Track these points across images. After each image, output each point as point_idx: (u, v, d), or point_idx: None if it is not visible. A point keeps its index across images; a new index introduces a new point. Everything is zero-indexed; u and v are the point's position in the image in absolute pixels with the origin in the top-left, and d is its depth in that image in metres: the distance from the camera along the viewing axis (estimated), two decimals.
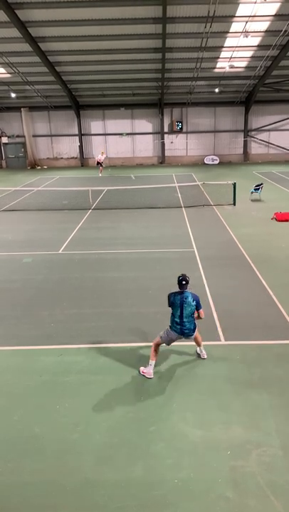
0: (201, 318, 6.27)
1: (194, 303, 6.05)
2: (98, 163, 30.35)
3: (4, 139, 37.14)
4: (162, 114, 35.43)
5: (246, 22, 21.14)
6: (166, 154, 36.99)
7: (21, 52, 24.65)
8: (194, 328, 6.23)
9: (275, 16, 20.64)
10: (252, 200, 19.09)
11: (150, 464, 4.63)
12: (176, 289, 6.18)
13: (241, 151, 37.15)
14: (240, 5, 19.41)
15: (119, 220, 16.02)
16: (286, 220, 15.14)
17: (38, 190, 23.24)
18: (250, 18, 20.78)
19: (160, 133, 36.35)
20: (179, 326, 6.08)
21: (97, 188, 20.89)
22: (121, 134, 36.76)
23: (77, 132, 36.51)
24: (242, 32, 22.05)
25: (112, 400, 5.69)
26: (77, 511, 4.14)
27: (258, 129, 36.28)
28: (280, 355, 6.66)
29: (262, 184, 19.57)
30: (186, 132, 36.76)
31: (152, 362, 6.18)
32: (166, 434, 5.05)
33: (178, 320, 6.07)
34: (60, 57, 26.02)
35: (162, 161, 37.04)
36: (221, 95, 33.62)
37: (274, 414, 5.33)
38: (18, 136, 36.88)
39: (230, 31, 22.40)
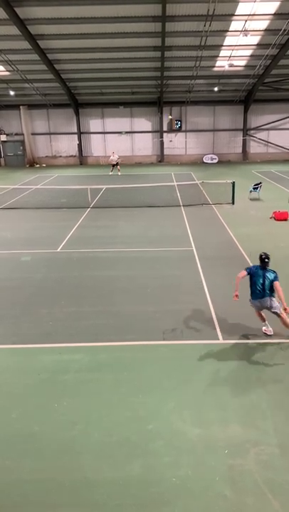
0: (278, 289, 6.83)
1: (274, 275, 6.92)
2: (113, 165, 29.71)
3: (3, 137, 37.03)
4: (161, 113, 35.39)
5: (246, 21, 21.11)
6: (165, 153, 36.96)
7: (20, 50, 24.58)
8: (276, 305, 6.97)
9: (274, 14, 20.62)
10: (251, 199, 19.11)
11: (149, 462, 4.65)
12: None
13: (240, 150, 37.15)
14: (239, 3, 19.39)
15: (118, 219, 16.02)
16: (285, 219, 15.17)
17: (36, 188, 23.21)
18: (250, 17, 20.76)
19: (159, 131, 36.31)
20: (260, 294, 6.96)
21: (95, 187, 20.88)
22: (120, 133, 36.72)
23: (76, 130, 36.44)
24: (241, 31, 22.01)
25: (111, 399, 5.71)
26: (76, 509, 4.16)
27: (257, 128, 36.28)
28: (279, 354, 6.69)
29: (261, 183, 19.59)
30: (186, 131, 36.73)
31: (265, 323, 7.33)
32: (164, 432, 5.07)
33: (260, 288, 6.94)
34: (60, 55, 25.96)
35: (161, 159, 37.02)
36: (220, 94, 33.60)
37: (272, 413, 5.35)
38: (16, 134, 36.78)
39: (230, 30, 22.38)
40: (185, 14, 20.55)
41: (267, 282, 6.88)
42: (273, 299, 6.98)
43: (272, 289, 6.91)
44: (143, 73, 29.24)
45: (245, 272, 7.06)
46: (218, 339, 7.16)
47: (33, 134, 36.82)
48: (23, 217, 16.72)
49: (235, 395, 5.70)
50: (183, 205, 18.12)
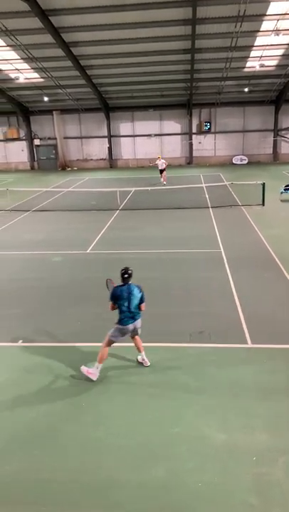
0: (141, 310, 6.25)
1: (140, 294, 6.13)
2: (161, 170, 25.35)
3: (37, 141, 38.05)
4: (191, 115, 35.27)
5: (277, 20, 20.77)
6: (194, 155, 36.81)
7: (54, 58, 25.21)
8: (139, 319, 6.20)
9: None
10: (281, 201, 18.71)
11: (173, 466, 4.61)
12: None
13: (271, 150, 36.47)
14: (271, 3, 19.08)
15: (146, 221, 16.08)
16: None
17: (68, 191, 23.65)
18: (282, 16, 20.38)
19: (188, 133, 36.20)
20: (131, 317, 6.09)
21: (124, 189, 21.04)
22: (149, 135, 36.87)
23: (106, 134, 36.91)
24: (273, 30, 21.66)
25: (135, 400, 5.71)
26: (98, 510, 4.16)
27: None
28: None
29: None
30: (215, 132, 36.44)
31: (100, 365, 6.11)
32: (188, 436, 5.02)
33: (128, 311, 6.06)
34: (92, 60, 26.41)
35: (190, 161, 36.88)
36: (251, 95, 33.14)
37: None
38: (49, 139, 37.67)
39: (261, 30, 22.06)
40: (215, 16, 20.47)
41: (133, 301, 6.04)
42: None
43: (139, 309, 6.16)
44: (173, 76, 29.28)
45: (112, 305, 6.16)
46: (247, 343, 7.02)
47: (65, 138, 37.59)
48: (55, 219, 17.07)
49: (263, 402, 5.57)
50: (211, 207, 17.96)
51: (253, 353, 6.74)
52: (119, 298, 6.06)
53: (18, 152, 38.59)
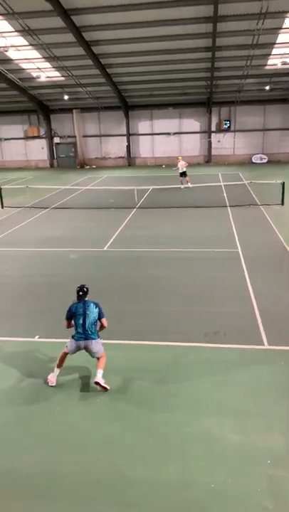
0: (104, 327, 6.07)
1: (97, 310, 5.94)
2: (181, 173, 23.28)
3: (56, 140, 38.43)
4: (210, 113, 35.02)
5: None
6: (212, 153, 36.56)
7: (75, 56, 25.40)
8: (99, 345, 5.95)
9: None
10: None
11: (186, 465, 4.60)
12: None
13: None
14: None
15: (164, 219, 16.06)
16: None
17: (86, 188, 23.80)
18: None
19: (207, 132, 35.96)
20: (83, 335, 5.85)
21: (142, 187, 21.06)
22: (168, 134, 36.77)
23: (125, 132, 36.99)
24: None
25: (150, 398, 5.71)
26: (110, 506, 4.18)
27: None
28: None
29: None
30: (234, 131, 36.11)
31: (57, 370, 6.01)
32: (203, 436, 5.00)
33: (81, 329, 5.86)
34: (112, 59, 26.49)
35: (208, 160, 36.64)
36: (272, 93, 32.70)
37: None
38: (69, 137, 38.00)
39: (284, 27, 21.71)
40: (237, 14, 20.22)
41: (90, 317, 5.86)
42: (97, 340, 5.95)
43: (95, 327, 5.92)
44: (193, 74, 29.13)
45: (66, 322, 6.06)
46: (264, 344, 6.94)
47: (84, 136, 37.85)
48: (73, 217, 17.22)
49: (278, 404, 5.51)
50: (229, 206, 17.81)
51: (270, 355, 6.66)
52: (74, 314, 5.92)
53: (38, 150, 39.06)
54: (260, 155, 35.96)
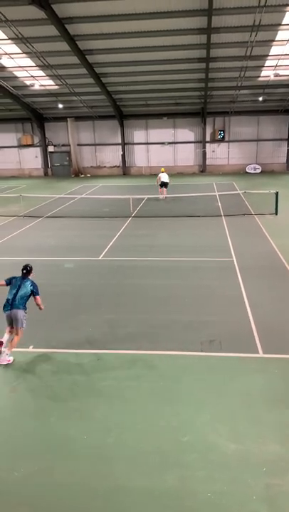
0: (39, 305, 7.03)
1: (31, 287, 6.93)
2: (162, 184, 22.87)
3: (51, 148, 38.52)
4: (204, 123, 35.39)
5: None
6: (207, 163, 36.87)
7: (69, 65, 25.59)
8: (23, 317, 6.83)
9: None
10: None
11: (183, 474, 4.59)
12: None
13: (284, 160, 36.35)
14: (286, 13, 19.13)
15: (159, 228, 16.12)
16: None
17: (81, 197, 23.84)
18: None
19: (202, 142, 36.30)
20: (9, 306, 6.77)
21: (137, 197, 21.15)
22: (163, 143, 37.05)
23: (120, 141, 37.21)
24: (288, 40, 21.68)
25: (146, 407, 5.70)
26: None
27: None
28: None
29: None
30: (228, 141, 36.49)
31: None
32: (199, 445, 4.99)
33: (10, 298, 6.82)
34: (106, 68, 26.73)
35: (203, 169, 36.93)
36: (265, 104, 33.16)
37: None
38: (63, 145, 38.11)
39: (276, 40, 22.11)
40: (231, 25, 20.54)
41: (22, 291, 6.87)
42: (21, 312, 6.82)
43: (24, 301, 6.88)
44: (187, 84, 29.47)
45: (3, 282, 7.09)
46: (258, 353, 6.98)
47: (78, 144, 37.98)
48: (68, 226, 17.22)
49: (274, 412, 5.52)
50: (224, 215, 17.94)
51: (265, 363, 6.68)
52: (11, 283, 7.01)
53: (32, 158, 39.10)
54: (254, 165, 36.33)
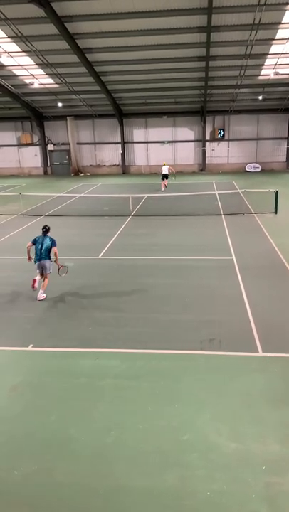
0: (56, 254, 9.41)
1: (50, 242, 9.35)
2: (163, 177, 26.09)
3: (50, 147, 38.46)
4: (204, 122, 35.35)
5: None
6: (207, 162, 36.83)
7: (69, 64, 25.55)
8: (49, 265, 9.37)
9: None
10: None
11: (183, 473, 4.59)
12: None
13: (284, 158, 36.33)
14: (286, 12, 19.10)
15: (158, 227, 16.11)
16: None
17: (80, 196, 23.82)
18: None
19: (202, 141, 36.26)
20: (38, 257, 9.27)
21: (137, 195, 21.13)
22: (162, 142, 37.02)
23: (119, 140, 37.16)
24: (288, 39, 21.65)
25: (146, 407, 5.70)
26: None
27: None
28: None
29: None
30: (228, 140, 36.46)
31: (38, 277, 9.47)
32: (199, 444, 5.00)
33: (38, 253, 9.27)
34: (106, 67, 26.69)
35: (203, 168, 36.91)
36: (265, 102, 33.13)
37: None
38: (63, 144, 38.05)
39: (276, 38, 22.08)
40: (230, 24, 20.52)
41: (44, 246, 9.25)
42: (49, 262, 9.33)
43: (48, 253, 9.27)
44: (187, 83, 29.43)
45: (30, 243, 9.46)
46: (258, 351, 6.98)
47: (78, 143, 37.93)
48: (67, 225, 17.20)
49: (274, 411, 5.53)
50: (224, 214, 17.93)
51: (264, 362, 6.68)
52: (36, 242, 9.38)
53: (31, 157, 39.05)
54: (253, 164, 36.32)
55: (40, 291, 9.32)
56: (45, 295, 9.33)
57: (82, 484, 4.51)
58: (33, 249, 9.41)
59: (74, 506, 4.28)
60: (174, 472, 4.61)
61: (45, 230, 9.54)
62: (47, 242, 9.27)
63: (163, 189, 25.32)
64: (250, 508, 4.16)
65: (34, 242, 9.35)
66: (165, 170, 25.80)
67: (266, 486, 4.40)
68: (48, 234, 9.49)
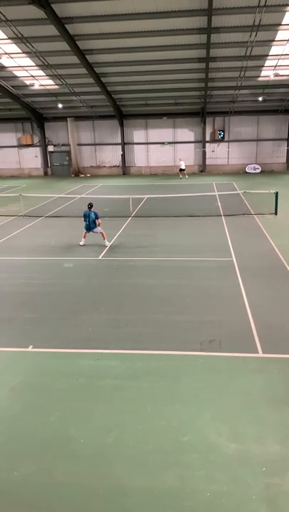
0: (99, 224, 13.27)
1: (94, 215, 13.09)
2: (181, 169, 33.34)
3: (50, 148, 38.52)
4: (204, 123, 35.39)
5: None
6: (207, 163, 36.87)
7: (69, 65, 25.61)
8: (96, 229, 13.34)
9: None
10: None
11: (183, 474, 4.59)
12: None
13: (284, 159, 36.37)
14: (286, 13, 19.14)
15: (159, 228, 16.12)
16: None
17: (80, 197, 23.84)
18: None
19: (202, 142, 36.30)
20: (88, 227, 13.29)
21: (137, 196, 21.14)
22: (163, 143, 37.05)
23: (120, 141, 37.21)
24: (288, 40, 21.69)
25: (146, 407, 5.71)
26: None
27: None
28: None
29: None
30: (228, 141, 36.49)
31: (84, 239, 13.68)
32: (199, 444, 5.00)
33: (87, 223, 13.27)
34: (106, 68, 26.74)
35: (203, 169, 36.94)
36: (265, 104, 33.17)
37: None
38: (63, 145, 38.11)
39: (276, 39, 22.12)
40: (231, 25, 20.56)
41: (91, 219, 13.10)
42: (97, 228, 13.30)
43: (95, 223, 13.16)
44: (187, 84, 29.48)
45: (83, 218, 13.31)
46: (258, 352, 6.98)
47: (78, 144, 37.98)
48: (68, 225, 17.21)
49: (274, 411, 5.53)
50: (224, 215, 17.94)
51: (264, 363, 6.69)
52: (85, 216, 13.26)
53: (31, 158, 39.10)
54: (253, 165, 36.35)
55: (104, 241, 13.53)
56: (108, 243, 13.55)
57: (82, 484, 4.51)
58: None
59: (74, 506, 4.29)
60: (174, 472, 4.61)
61: (90, 206, 13.16)
62: (92, 216, 13.00)
63: (181, 177, 32.84)
64: (250, 509, 4.17)
65: (84, 216, 13.12)
66: (182, 165, 33.06)
67: (266, 487, 4.40)
68: (92, 209, 13.14)
